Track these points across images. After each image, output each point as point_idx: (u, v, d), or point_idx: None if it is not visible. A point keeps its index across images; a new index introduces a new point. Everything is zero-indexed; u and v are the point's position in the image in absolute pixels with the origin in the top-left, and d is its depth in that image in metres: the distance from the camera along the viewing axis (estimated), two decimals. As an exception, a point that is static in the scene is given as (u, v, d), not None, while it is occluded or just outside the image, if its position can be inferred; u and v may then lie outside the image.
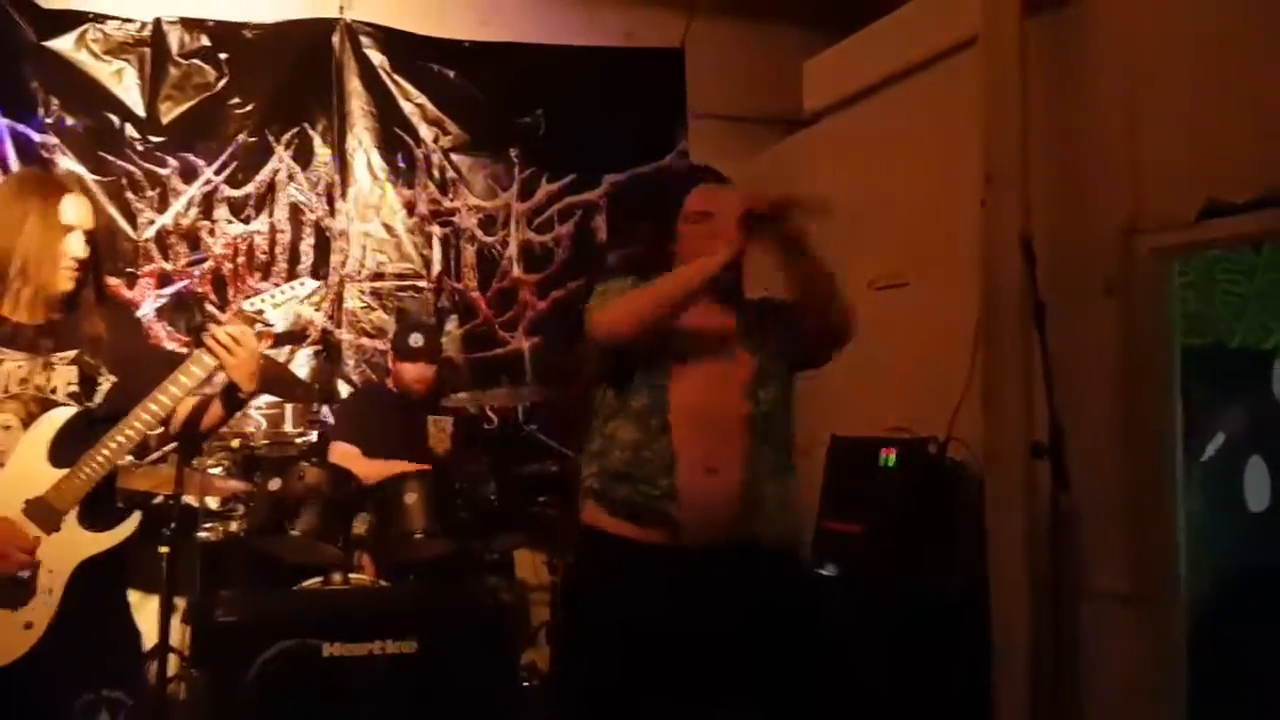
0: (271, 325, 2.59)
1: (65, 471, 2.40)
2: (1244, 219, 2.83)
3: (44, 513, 2.38)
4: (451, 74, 5.22)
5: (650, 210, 5.16)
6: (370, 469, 4.13)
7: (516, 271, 5.25)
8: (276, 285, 2.64)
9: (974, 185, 3.34)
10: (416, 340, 4.48)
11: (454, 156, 5.22)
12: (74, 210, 2.48)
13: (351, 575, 3.80)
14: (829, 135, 4.56)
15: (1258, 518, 3.49)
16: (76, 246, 2.47)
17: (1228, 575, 3.27)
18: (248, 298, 2.66)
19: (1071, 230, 3.26)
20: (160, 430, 2.56)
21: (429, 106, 5.19)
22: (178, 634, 3.87)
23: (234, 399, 2.58)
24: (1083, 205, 3.26)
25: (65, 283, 2.47)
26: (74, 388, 2.47)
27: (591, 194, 5.32)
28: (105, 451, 2.41)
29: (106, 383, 2.51)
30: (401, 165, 5.16)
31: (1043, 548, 3.02)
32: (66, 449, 2.42)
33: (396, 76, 5.17)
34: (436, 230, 5.18)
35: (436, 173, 5.19)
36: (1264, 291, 3.59)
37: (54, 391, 2.45)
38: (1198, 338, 3.41)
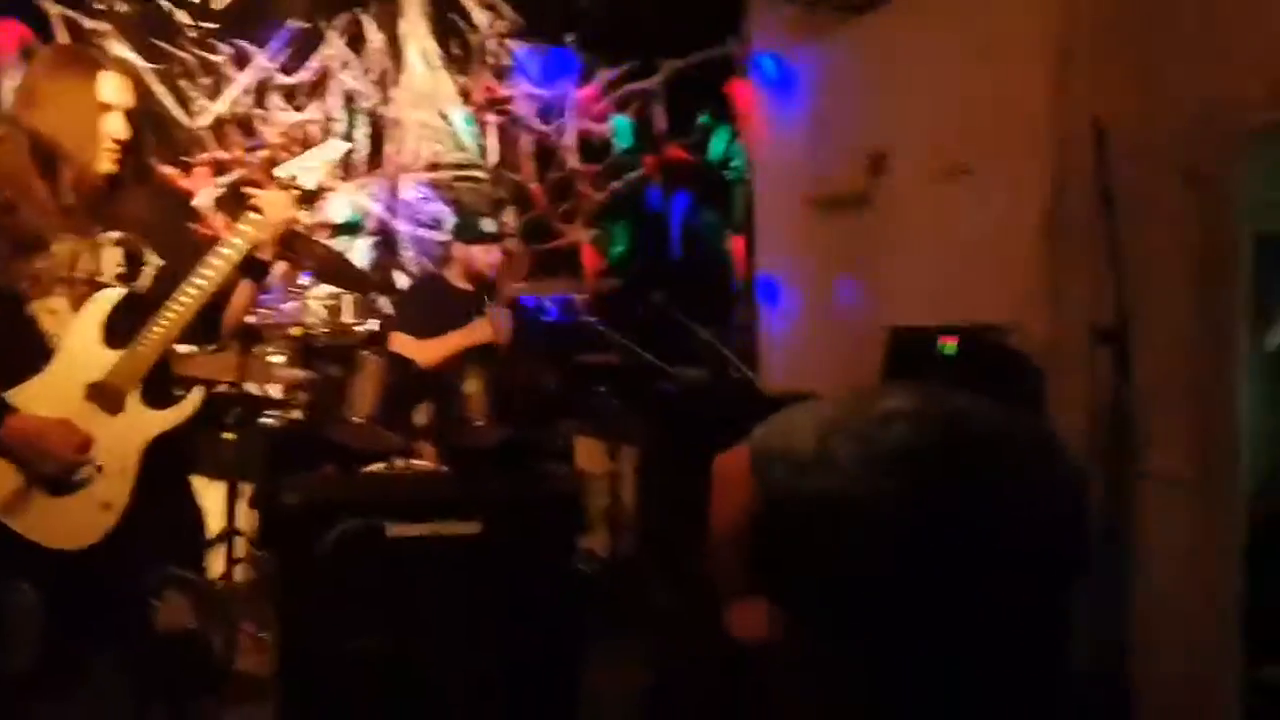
0: (304, 186, 2.63)
1: (122, 353, 2.40)
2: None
3: (107, 395, 2.39)
4: (507, -44, 5.09)
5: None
6: (428, 350, 4.18)
7: (574, 162, 5.17)
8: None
9: (1044, 69, 3.23)
10: (489, 225, 4.42)
11: (509, 43, 5.12)
12: (112, 89, 2.42)
13: (413, 461, 3.87)
14: (900, 17, 4.36)
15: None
16: (117, 126, 2.42)
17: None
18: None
19: (1146, 114, 3.15)
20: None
21: (484, -10, 5.07)
22: (243, 518, 3.98)
23: (258, 269, 2.60)
24: (1158, 88, 3.14)
25: (107, 164, 2.43)
26: (121, 269, 2.46)
27: (650, 81, 5.20)
28: (158, 329, 2.41)
29: (152, 265, 2.50)
30: (456, 52, 5.07)
31: (1103, 434, 3.01)
32: (119, 330, 2.41)
33: (450, -41, 5.05)
34: (492, 119, 5.12)
35: (491, 59, 5.10)
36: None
37: (101, 274, 2.44)
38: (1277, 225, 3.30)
